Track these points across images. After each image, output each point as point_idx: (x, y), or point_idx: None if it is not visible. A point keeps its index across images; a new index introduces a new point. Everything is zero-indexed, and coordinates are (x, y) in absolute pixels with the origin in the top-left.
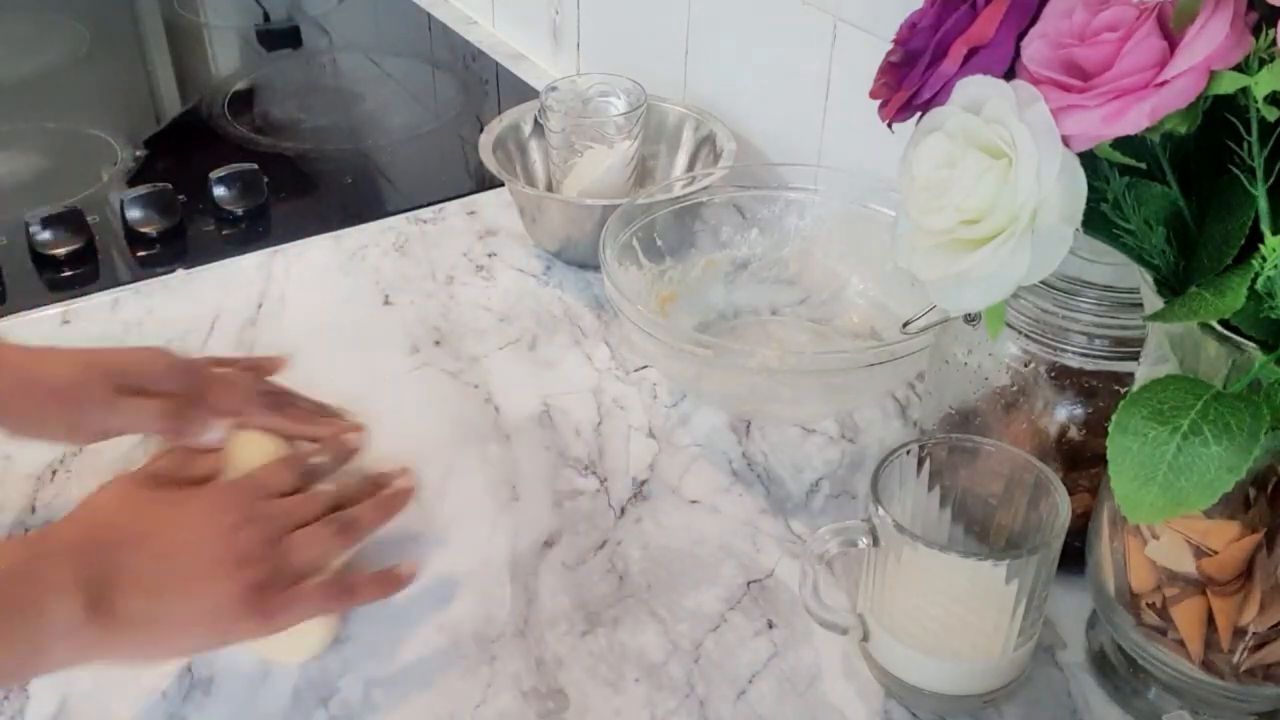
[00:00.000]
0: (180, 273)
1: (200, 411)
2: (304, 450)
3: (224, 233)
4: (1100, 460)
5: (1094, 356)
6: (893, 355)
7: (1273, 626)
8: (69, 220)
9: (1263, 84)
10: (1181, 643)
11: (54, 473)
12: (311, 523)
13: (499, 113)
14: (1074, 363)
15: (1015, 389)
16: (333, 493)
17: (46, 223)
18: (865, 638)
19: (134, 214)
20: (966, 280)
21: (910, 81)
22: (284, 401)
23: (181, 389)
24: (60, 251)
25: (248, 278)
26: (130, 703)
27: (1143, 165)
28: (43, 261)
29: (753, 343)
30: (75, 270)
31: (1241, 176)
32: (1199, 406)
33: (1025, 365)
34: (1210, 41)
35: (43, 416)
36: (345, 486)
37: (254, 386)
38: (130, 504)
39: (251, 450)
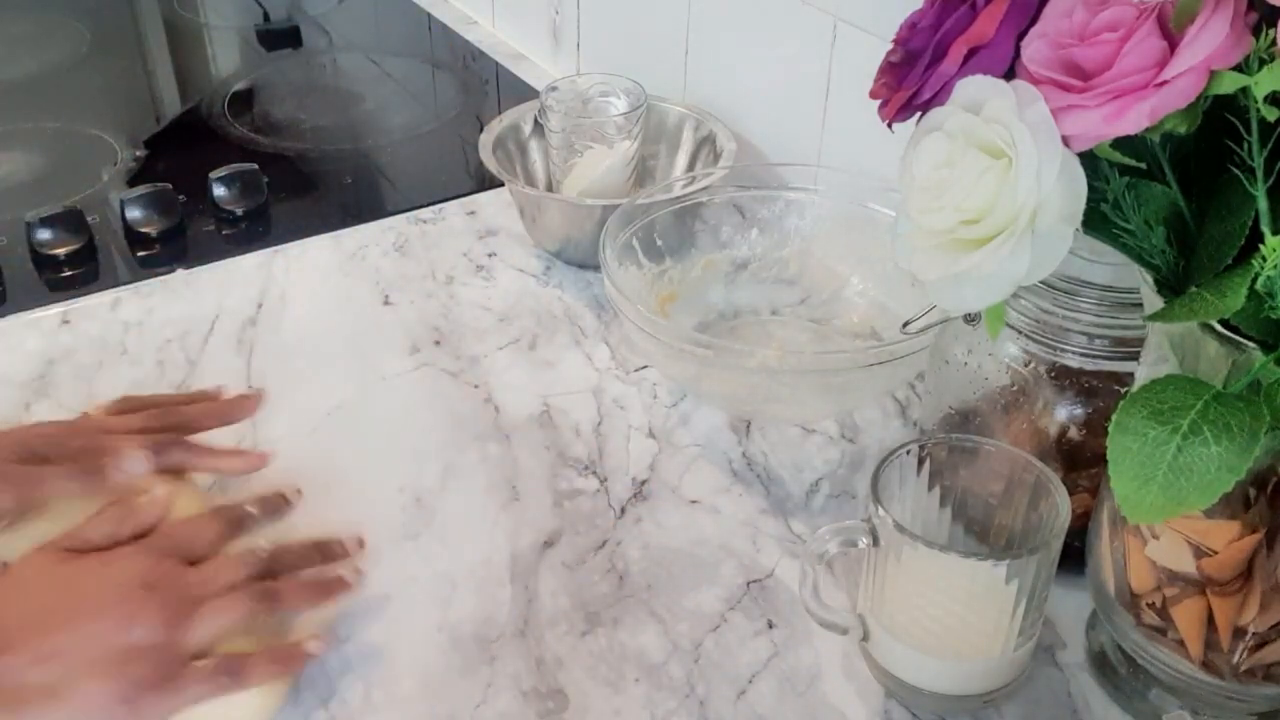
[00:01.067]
0: (180, 273)
1: (109, 464)
2: (235, 502)
3: (224, 233)
4: (1100, 460)
5: (1094, 356)
6: (893, 355)
7: (1273, 626)
8: (69, 220)
9: (1263, 84)
10: (1181, 643)
11: None
12: (233, 587)
13: (499, 113)
14: (1074, 363)
15: (1015, 389)
16: (262, 556)
17: (46, 223)
18: (865, 638)
19: (134, 214)
20: (966, 280)
21: (910, 81)
22: (178, 433)
23: (77, 448)
24: (60, 251)
25: (248, 278)
26: None
27: (1143, 165)
28: (43, 261)
29: (753, 343)
30: (75, 270)
31: (1241, 176)
32: (1199, 406)
33: (1025, 365)
34: (1210, 41)
35: None
36: (284, 550)
37: (136, 426)
38: (23, 590)
39: (181, 503)
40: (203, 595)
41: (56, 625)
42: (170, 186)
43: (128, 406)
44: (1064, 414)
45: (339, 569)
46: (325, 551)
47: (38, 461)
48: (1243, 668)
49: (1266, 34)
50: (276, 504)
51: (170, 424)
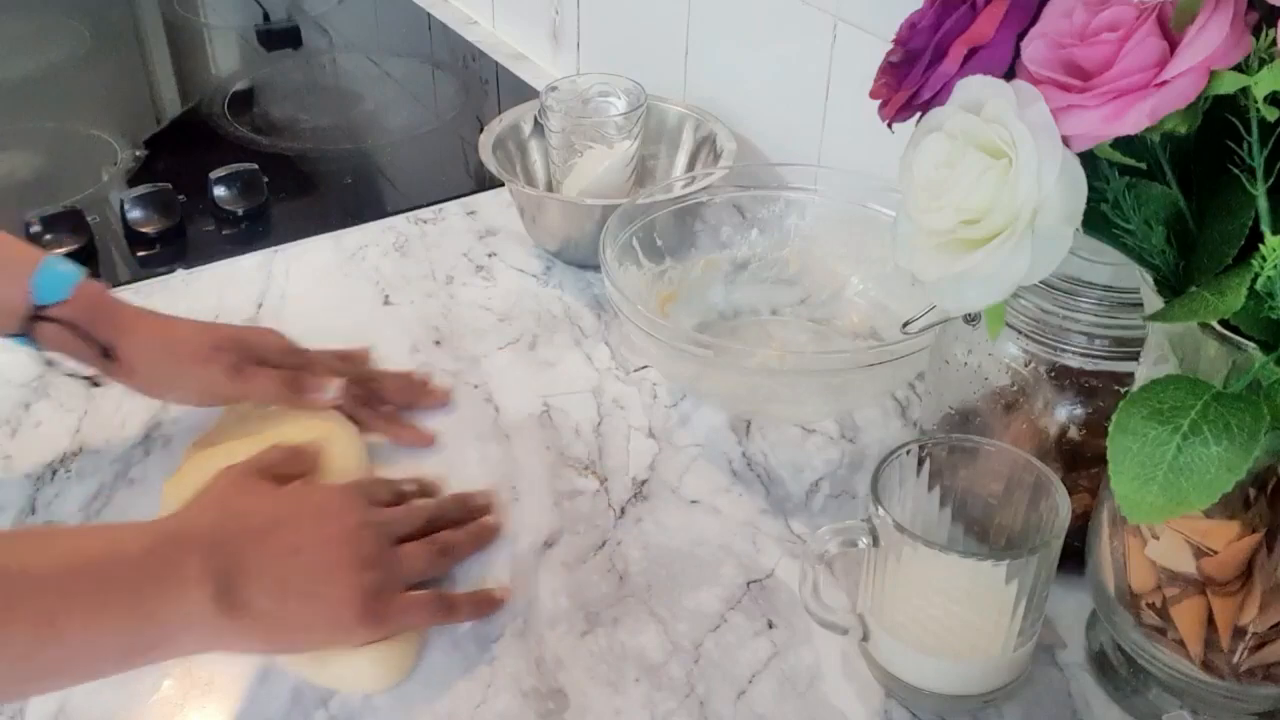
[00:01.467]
0: (180, 273)
1: (310, 385)
2: (397, 477)
3: (224, 233)
4: (1100, 460)
5: (1094, 356)
6: (893, 355)
7: (1273, 626)
8: (69, 220)
9: (1263, 84)
10: (1181, 643)
11: (54, 473)
12: (414, 537)
13: (499, 113)
14: (1074, 363)
15: (1015, 389)
16: (430, 507)
17: (46, 223)
18: (865, 638)
19: (134, 214)
20: (966, 280)
21: (910, 81)
22: (373, 397)
23: (292, 365)
24: (60, 251)
25: (248, 278)
26: (130, 703)
27: (1143, 165)
28: None
29: (753, 343)
30: None
31: (1241, 176)
32: (1199, 406)
33: (1025, 365)
34: (1210, 41)
35: (179, 379)
36: (439, 504)
37: (347, 374)
38: (254, 496)
39: (343, 446)
40: (398, 534)
41: (295, 527)
42: (170, 186)
43: (344, 358)
44: (1064, 414)
45: (486, 521)
46: (468, 502)
47: (256, 363)
48: (1243, 668)
49: (1266, 34)
50: (430, 484)
51: (366, 381)
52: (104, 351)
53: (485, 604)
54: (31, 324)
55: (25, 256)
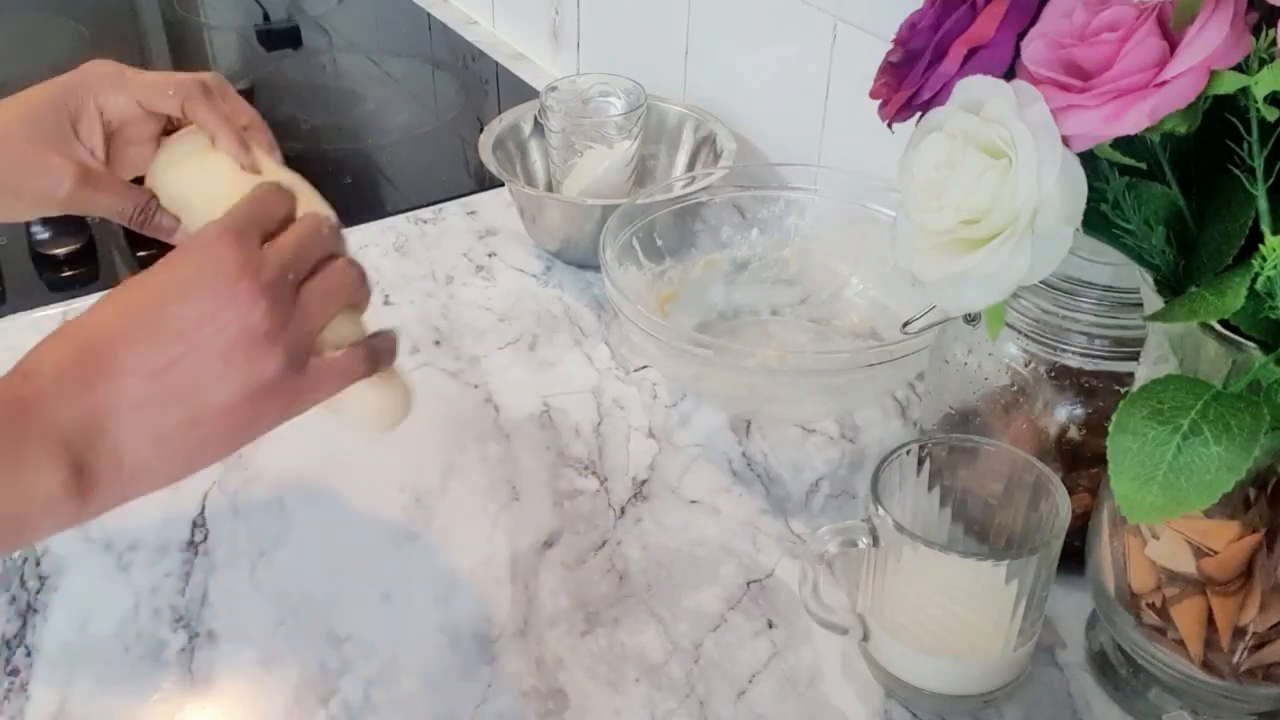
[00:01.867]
0: None
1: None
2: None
3: None
4: (1100, 460)
5: (1094, 356)
6: (893, 355)
7: (1273, 626)
8: (69, 220)
9: (1263, 84)
10: (1181, 643)
11: None
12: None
13: (499, 113)
14: (1074, 363)
15: (1015, 389)
16: (314, 227)
17: (46, 223)
18: (865, 638)
19: None
20: (966, 280)
21: (910, 81)
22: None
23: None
24: (60, 251)
25: None
26: (130, 702)
27: (1143, 165)
28: (43, 261)
29: (753, 343)
30: (75, 270)
31: (1241, 176)
32: (1199, 406)
33: (1025, 365)
34: (1210, 41)
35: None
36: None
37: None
38: (154, 278)
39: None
40: (301, 275)
41: (165, 323)
42: None
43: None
44: (1064, 414)
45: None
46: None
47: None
48: (1243, 668)
49: (1266, 34)
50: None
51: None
52: None
53: (390, 340)
54: None
55: None
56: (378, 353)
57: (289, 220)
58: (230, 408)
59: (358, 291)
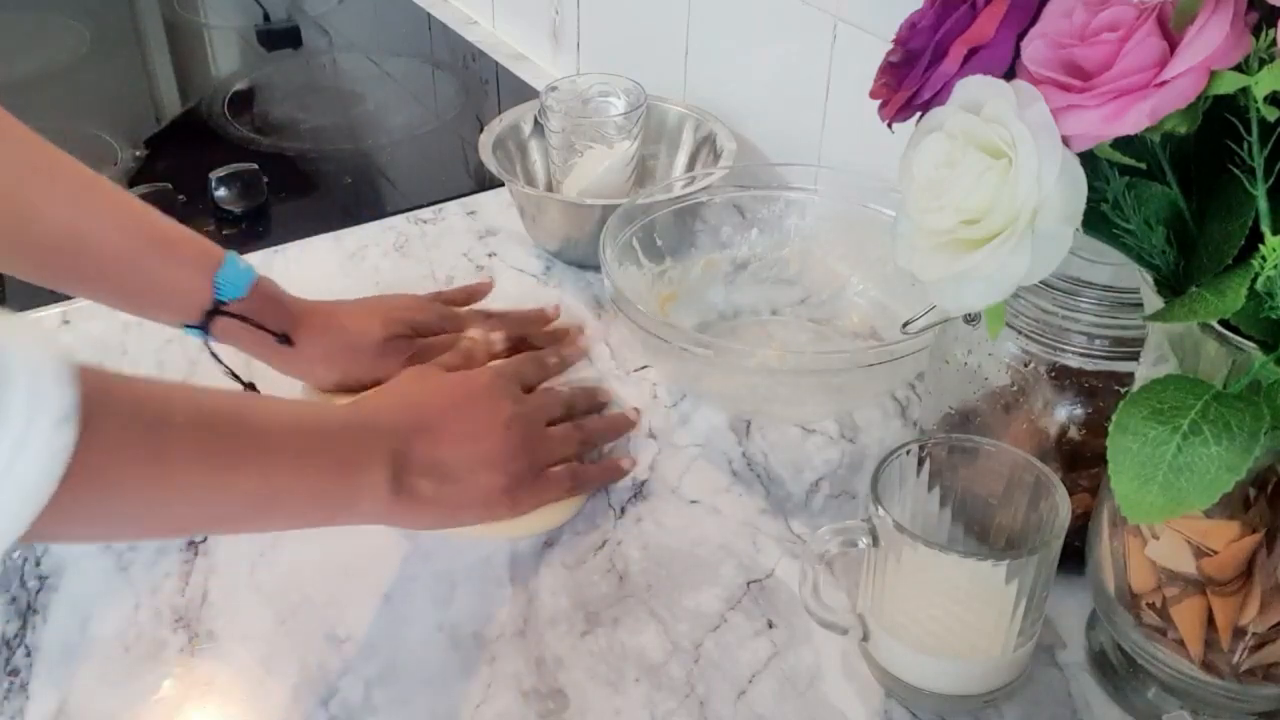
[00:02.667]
0: None
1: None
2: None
3: (224, 233)
4: (1100, 460)
5: (1094, 356)
6: (893, 355)
7: (1273, 626)
8: None
9: (1263, 84)
10: (1181, 643)
11: None
12: (556, 420)
13: (499, 113)
14: (1074, 363)
15: (1015, 389)
16: (566, 394)
17: None
18: (865, 638)
19: None
20: (966, 280)
21: (910, 81)
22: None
23: (452, 329)
24: None
25: None
26: (130, 702)
27: (1143, 165)
28: None
29: (753, 343)
30: None
31: (1241, 176)
32: (1199, 406)
33: (1025, 365)
34: (1210, 41)
35: (354, 371)
36: (572, 392)
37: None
38: (427, 387)
39: None
40: (544, 421)
41: (458, 422)
42: (170, 186)
43: (489, 315)
44: (1064, 414)
45: (621, 454)
46: (596, 394)
47: (419, 335)
48: (1243, 668)
49: (1266, 34)
50: (575, 351)
51: (518, 340)
52: (281, 339)
53: (612, 471)
54: (210, 318)
55: (210, 252)
56: (586, 480)
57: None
58: (482, 487)
59: (577, 452)
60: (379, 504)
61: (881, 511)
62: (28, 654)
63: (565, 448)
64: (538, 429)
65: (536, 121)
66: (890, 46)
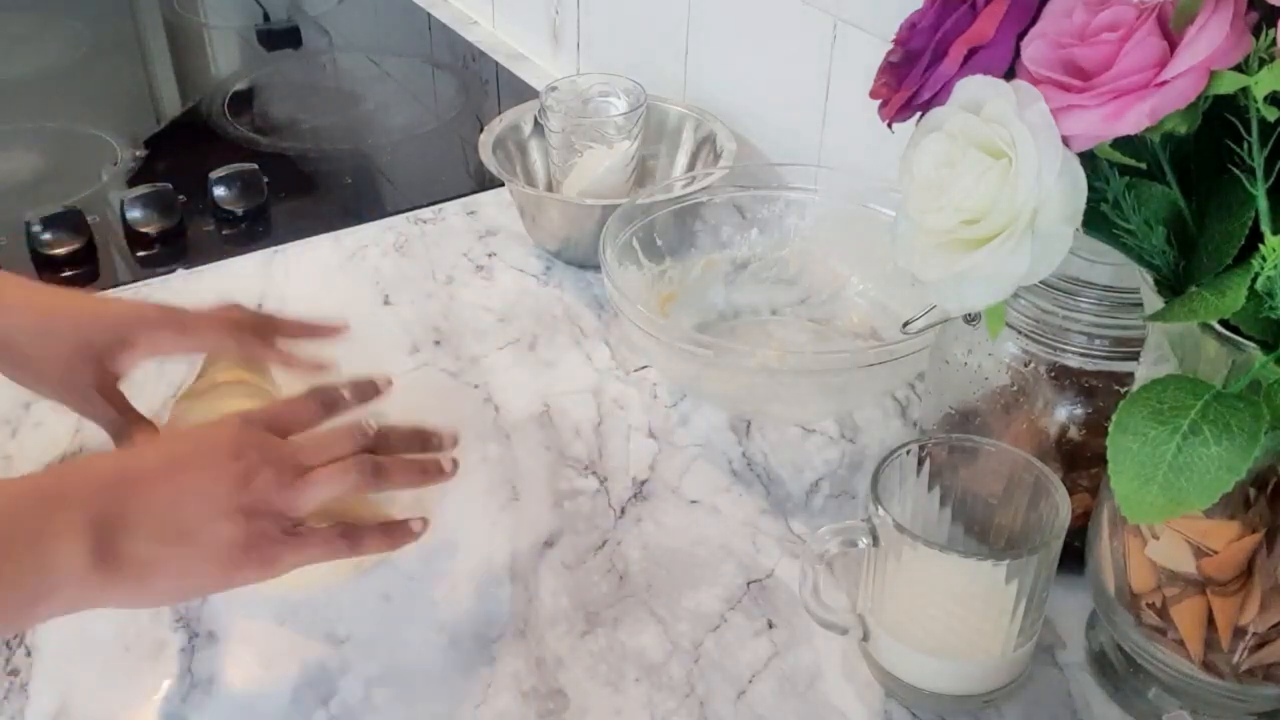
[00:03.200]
0: (180, 273)
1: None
2: (331, 384)
3: (224, 233)
4: (1100, 460)
5: (1094, 356)
6: (893, 355)
7: (1273, 626)
8: (69, 220)
9: (1263, 84)
10: (1181, 643)
11: None
12: (339, 459)
13: (499, 113)
14: (1074, 363)
15: (1015, 389)
16: (369, 432)
17: (46, 223)
18: (865, 638)
19: (134, 214)
20: (966, 280)
21: (910, 81)
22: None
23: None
24: (60, 251)
25: (248, 278)
26: (130, 702)
27: (1143, 165)
28: (43, 261)
29: (753, 343)
30: (75, 270)
31: (1241, 176)
32: (1199, 406)
33: (1025, 365)
34: (1210, 41)
35: (49, 374)
36: (389, 430)
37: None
38: (157, 442)
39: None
40: (311, 463)
41: (183, 473)
42: (170, 186)
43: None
44: (1064, 414)
45: (439, 457)
46: (425, 440)
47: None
48: (1243, 668)
49: (1266, 34)
50: (367, 390)
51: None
52: None
53: (397, 534)
54: None
55: None
56: (361, 541)
57: (313, 421)
58: (207, 546)
59: (361, 487)
60: (79, 585)
61: (881, 511)
62: (28, 654)
63: (327, 490)
64: (290, 476)
65: (536, 121)
66: (890, 46)
